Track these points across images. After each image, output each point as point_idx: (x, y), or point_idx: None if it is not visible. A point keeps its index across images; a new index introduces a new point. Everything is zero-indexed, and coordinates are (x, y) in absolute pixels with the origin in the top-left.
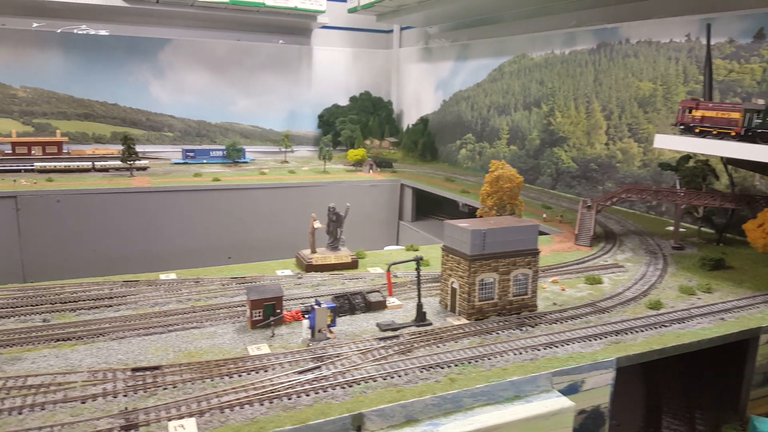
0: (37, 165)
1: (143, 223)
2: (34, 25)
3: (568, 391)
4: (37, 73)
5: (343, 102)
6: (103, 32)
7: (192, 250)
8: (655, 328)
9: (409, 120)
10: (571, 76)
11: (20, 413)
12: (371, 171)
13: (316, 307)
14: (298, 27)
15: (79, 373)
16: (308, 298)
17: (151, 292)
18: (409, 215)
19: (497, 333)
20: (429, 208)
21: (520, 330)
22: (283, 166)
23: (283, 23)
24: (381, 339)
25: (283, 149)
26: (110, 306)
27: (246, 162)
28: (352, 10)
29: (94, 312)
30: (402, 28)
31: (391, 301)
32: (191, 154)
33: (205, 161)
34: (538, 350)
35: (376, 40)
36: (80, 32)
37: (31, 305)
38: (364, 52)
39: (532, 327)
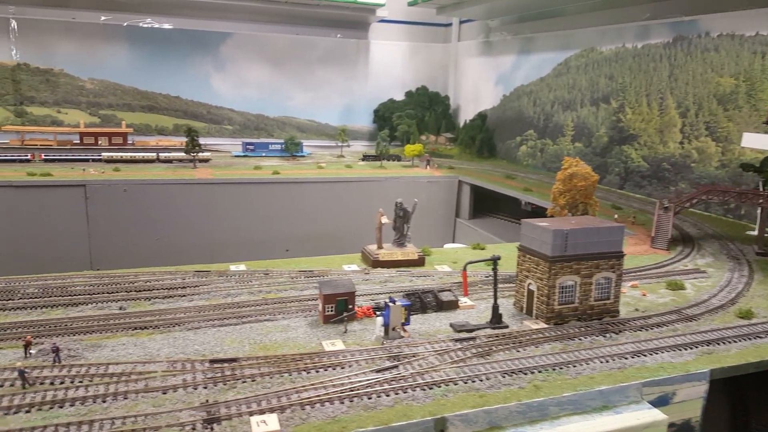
0: (105, 155)
1: (205, 213)
2: (102, 18)
3: (658, 402)
4: (104, 65)
5: (399, 97)
6: (167, 26)
7: (251, 241)
8: (749, 339)
9: (466, 115)
10: (644, 71)
11: (104, 401)
12: (428, 167)
13: (390, 304)
14: (356, 21)
15: (158, 362)
16: (377, 294)
17: (223, 283)
18: (467, 212)
19: (580, 339)
20: (487, 205)
21: (604, 336)
22: (339, 161)
23: (342, 17)
24: (457, 340)
25: (340, 143)
26: (183, 296)
27: (303, 156)
28: (412, 3)
29: (169, 301)
30: (461, 22)
31: (463, 301)
32: (251, 147)
33: (264, 154)
34: (626, 359)
35: (434, 34)
36: (145, 25)
37: (108, 293)
38: (422, 45)
39: (616, 334)
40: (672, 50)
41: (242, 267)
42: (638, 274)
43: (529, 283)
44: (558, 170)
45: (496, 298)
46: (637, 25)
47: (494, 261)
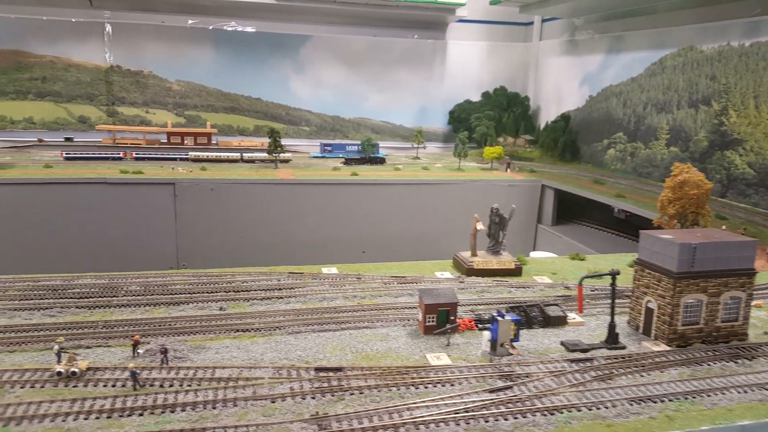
0: (192, 154)
1: (286, 213)
2: (189, 22)
3: None
4: (190, 67)
5: (475, 98)
6: (250, 29)
7: (329, 242)
8: None
9: (547, 117)
10: (752, 70)
11: (214, 407)
12: (508, 170)
13: (499, 318)
14: (433, 21)
15: (264, 368)
16: (475, 305)
17: (317, 286)
18: (550, 219)
19: (708, 364)
20: (571, 211)
21: (735, 363)
22: (415, 163)
23: (419, 18)
24: (572, 361)
25: (415, 145)
26: (280, 297)
27: (379, 157)
28: (494, 2)
29: (267, 303)
30: (543, 20)
31: (571, 317)
32: (329, 148)
33: (341, 155)
34: (766, 390)
35: (514, 33)
36: (229, 29)
37: (207, 292)
38: (501, 45)
39: (749, 360)
40: None
41: (334, 270)
42: (761, 292)
43: (648, 301)
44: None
45: (613, 316)
46: (745, 22)
47: (613, 276)
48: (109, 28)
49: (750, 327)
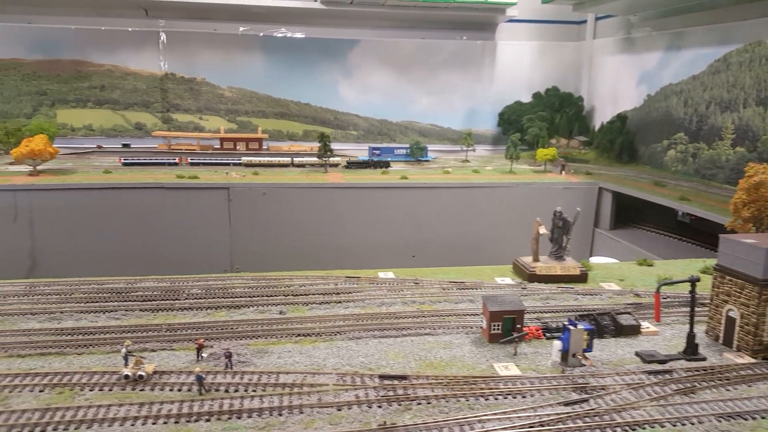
0: (244, 159)
1: (336, 217)
2: (241, 29)
3: None
4: (242, 74)
5: (526, 99)
6: (299, 35)
7: (378, 246)
8: None
9: (602, 117)
10: None
11: (280, 414)
12: (563, 172)
13: (571, 328)
14: (483, 22)
15: (327, 374)
16: (540, 312)
17: (375, 291)
18: (607, 222)
19: None
20: (629, 215)
21: None
22: (465, 165)
23: (469, 19)
24: (650, 373)
25: (465, 148)
26: (339, 302)
27: (428, 160)
28: (546, 1)
29: (325, 307)
30: (597, 18)
31: (644, 326)
32: (377, 152)
33: (389, 159)
34: None
35: (566, 32)
36: (279, 35)
37: (267, 296)
38: (552, 45)
39: None
40: None
41: (390, 274)
42: None
43: (729, 310)
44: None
45: (692, 326)
46: None
47: (692, 283)
48: (163, 36)
49: None
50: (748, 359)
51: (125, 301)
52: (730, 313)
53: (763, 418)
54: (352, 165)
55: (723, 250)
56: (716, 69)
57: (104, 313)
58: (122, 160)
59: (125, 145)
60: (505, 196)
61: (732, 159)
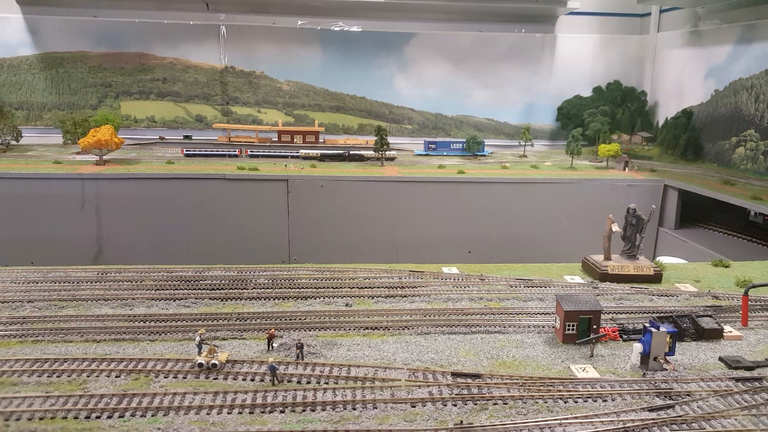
0: (302, 152)
1: (393, 210)
2: (299, 23)
3: None
4: (299, 68)
5: (586, 93)
6: (355, 28)
7: (434, 240)
8: None
9: (666, 113)
10: None
11: (354, 408)
12: (626, 169)
13: (653, 330)
14: (542, 14)
15: (398, 369)
16: (615, 313)
17: (440, 286)
18: (672, 222)
19: None
20: (695, 214)
21: None
22: (522, 161)
23: (528, 11)
24: (737, 380)
25: (522, 143)
26: (404, 296)
27: (485, 155)
28: None
29: (391, 301)
30: (662, 10)
31: (727, 330)
32: (433, 146)
33: (445, 153)
34: None
35: (629, 25)
36: (336, 29)
37: (332, 287)
38: (615, 38)
39: None
40: None
41: (454, 269)
42: None
43: None
44: None
45: None
46: None
47: None
48: (223, 29)
49: None
50: None
51: (194, 289)
52: None
53: None
54: (326, 158)
55: None
56: None
57: (174, 300)
58: (184, 152)
59: (186, 137)
60: (567, 192)
61: None
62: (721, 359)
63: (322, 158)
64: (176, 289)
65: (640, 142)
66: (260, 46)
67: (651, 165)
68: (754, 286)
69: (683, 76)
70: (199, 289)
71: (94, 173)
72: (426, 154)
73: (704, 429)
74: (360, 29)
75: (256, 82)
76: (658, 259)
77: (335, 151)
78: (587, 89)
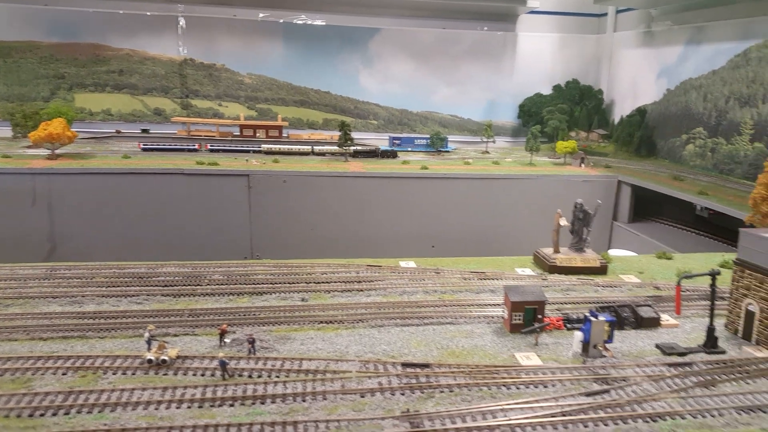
0: (264, 147)
1: (356, 206)
2: (261, 15)
3: None
4: (261, 61)
5: (546, 91)
6: (319, 22)
7: (398, 236)
8: None
9: (621, 111)
10: None
11: (304, 400)
12: (583, 165)
13: (592, 319)
14: (504, 13)
15: (350, 361)
16: (561, 304)
17: (396, 279)
18: (626, 216)
19: None
20: (647, 209)
21: None
22: (485, 157)
23: (490, 9)
24: (670, 365)
25: (485, 139)
26: (360, 290)
27: (448, 151)
28: None
29: (347, 295)
30: (618, 11)
31: (664, 318)
32: (397, 141)
33: (409, 149)
34: None
35: (587, 25)
36: (299, 22)
37: (288, 283)
38: (573, 37)
39: None
40: None
41: (412, 264)
42: None
43: (749, 303)
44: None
45: (712, 319)
46: None
47: (713, 276)
48: (182, 21)
49: None
50: (767, 353)
51: (146, 285)
52: (750, 307)
53: None
54: (359, 154)
55: (743, 244)
56: (736, 64)
57: (126, 297)
58: (141, 146)
59: (144, 131)
60: (525, 187)
61: (750, 154)
62: (657, 346)
63: (355, 155)
64: (128, 286)
65: (596, 139)
66: (221, 39)
67: (606, 161)
68: (686, 277)
69: (638, 76)
70: (151, 285)
71: (46, 168)
72: (391, 150)
73: (636, 411)
74: (324, 23)
75: (216, 75)
76: (609, 251)
77: (367, 147)
78: (547, 87)
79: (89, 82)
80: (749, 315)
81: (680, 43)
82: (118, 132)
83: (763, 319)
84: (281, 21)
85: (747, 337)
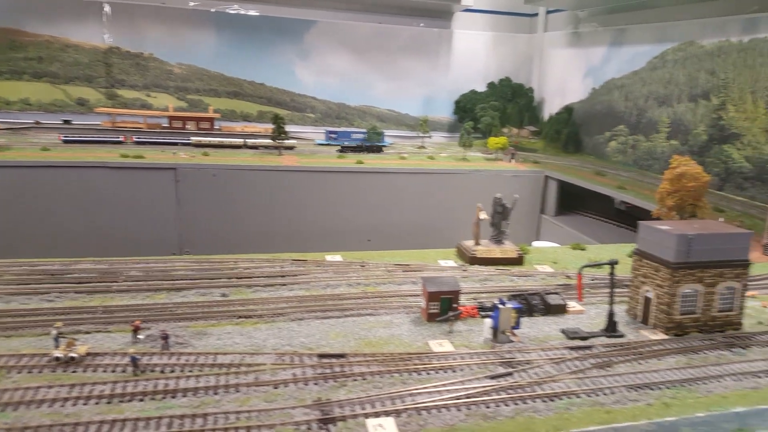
0: (194, 139)
1: (290, 201)
2: (191, 4)
3: None
4: (192, 51)
5: (481, 88)
6: (253, 12)
7: (333, 230)
8: None
9: (551, 108)
10: (750, 66)
11: (215, 393)
12: (512, 160)
13: (500, 306)
14: (439, 10)
15: (266, 354)
16: (478, 293)
17: (321, 273)
18: (552, 209)
19: (704, 353)
20: (573, 202)
21: (731, 351)
22: (420, 152)
23: (425, 6)
24: (572, 348)
25: (421, 134)
26: (284, 285)
27: (385, 146)
28: None
29: (270, 290)
30: (548, 12)
31: (571, 305)
32: (334, 135)
33: (346, 143)
34: (759, 377)
35: (519, 24)
36: (232, 11)
37: (209, 278)
38: (506, 36)
39: (744, 349)
40: None
41: (338, 257)
42: (756, 283)
43: (646, 290)
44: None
45: (612, 305)
46: (745, 18)
47: (612, 265)
48: (107, 8)
49: (744, 317)
50: (661, 335)
51: (59, 283)
52: (647, 294)
53: (668, 388)
54: (346, 150)
55: (641, 235)
56: (654, 66)
57: (36, 295)
58: (62, 137)
59: (66, 122)
60: (458, 182)
61: (666, 151)
62: (562, 331)
63: (343, 150)
64: (39, 283)
65: (527, 135)
66: (149, 27)
67: (535, 157)
68: (587, 266)
69: (566, 75)
70: (64, 282)
71: None
72: (327, 144)
73: (536, 392)
74: (258, 14)
75: (144, 64)
76: (534, 243)
77: (356, 143)
78: (482, 84)
79: (4, 70)
80: (647, 301)
81: (605, 44)
82: (37, 123)
83: (659, 305)
84: (213, 10)
85: (645, 321)
